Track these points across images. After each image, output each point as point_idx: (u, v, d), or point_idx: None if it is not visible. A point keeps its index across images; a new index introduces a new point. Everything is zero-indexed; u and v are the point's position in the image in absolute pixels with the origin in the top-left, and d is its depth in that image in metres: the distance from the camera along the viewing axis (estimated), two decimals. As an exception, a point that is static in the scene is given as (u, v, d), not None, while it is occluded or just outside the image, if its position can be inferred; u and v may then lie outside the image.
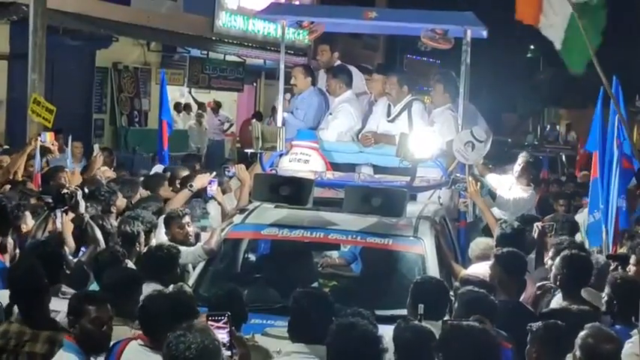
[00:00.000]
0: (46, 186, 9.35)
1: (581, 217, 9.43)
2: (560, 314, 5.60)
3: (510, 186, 9.35)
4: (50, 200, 7.45)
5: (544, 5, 6.74)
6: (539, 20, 6.69)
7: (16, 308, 5.61)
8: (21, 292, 5.52)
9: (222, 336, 4.48)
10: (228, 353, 4.44)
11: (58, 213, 7.22)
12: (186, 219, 7.80)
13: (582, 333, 4.69)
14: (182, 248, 7.35)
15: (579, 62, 6.80)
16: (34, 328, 5.35)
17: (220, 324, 4.58)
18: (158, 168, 12.00)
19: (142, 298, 5.56)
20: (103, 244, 7.11)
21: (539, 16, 6.68)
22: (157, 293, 5.40)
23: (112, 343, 5.11)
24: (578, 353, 4.63)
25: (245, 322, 5.42)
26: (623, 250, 7.81)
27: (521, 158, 9.54)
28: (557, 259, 6.49)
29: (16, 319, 5.50)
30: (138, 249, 7.14)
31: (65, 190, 7.31)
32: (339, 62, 9.30)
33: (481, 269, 6.78)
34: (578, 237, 8.45)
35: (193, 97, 23.44)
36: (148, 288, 5.84)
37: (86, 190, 7.62)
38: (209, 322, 4.59)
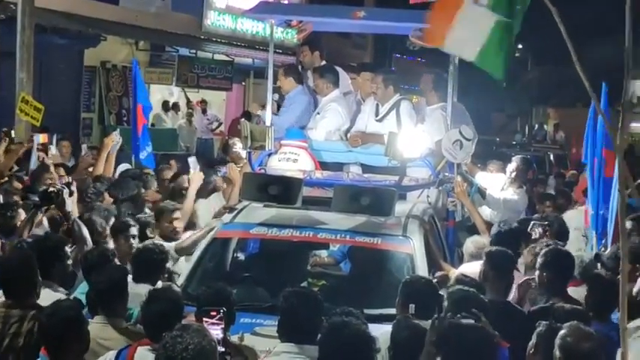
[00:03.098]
0: (32, 185, 9.33)
1: (569, 215, 9.49)
2: (553, 313, 5.61)
3: (502, 187, 9.39)
4: (37, 199, 7.44)
5: (455, 20, 6.79)
6: (443, 40, 6.73)
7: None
8: (13, 279, 5.58)
9: (217, 332, 4.46)
10: (222, 349, 4.43)
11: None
12: (177, 214, 7.79)
13: (561, 332, 4.69)
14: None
15: (501, 72, 6.88)
16: (21, 312, 5.43)
17: (215, 320, 4.57)
18: (123, 167, 11.31)
19: (140, 300, 5.54)
20: (90, 243, 7.08)
21: (444, 35, 6.72)
22: (155, 294, 5.37)
23: (116, 352, 5.06)
24: (557, 353, 4.63)
25: (233, 322, 5.41)
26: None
27: (515, 163, 9.56)
28: (539, 258, 6.51)
29: (2, 304, 5.56)
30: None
31: (52, 189, 7.29)
32: (324, 62, 9.30)
33: (471, 269, 6.79)
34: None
35: (186, 96, 23.38)
36: (139, 289, 5.82)
37: (73, 189, 7.59)
38: (203, 319, 4.58)
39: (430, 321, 4.80)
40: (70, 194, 7.33)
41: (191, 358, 3.95)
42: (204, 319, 4.58)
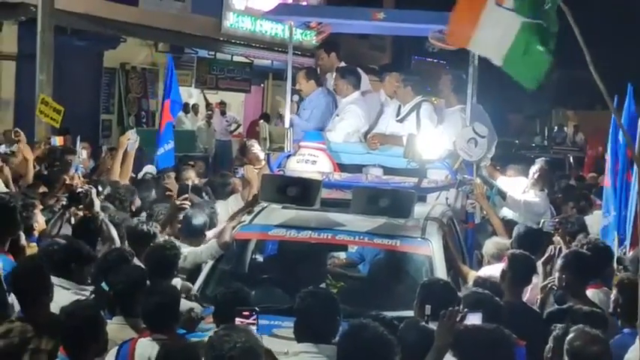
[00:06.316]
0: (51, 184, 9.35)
1: (590, 220, 9.43)
2: (571, 315, 5.58)
3: (524, 189, 9.36)
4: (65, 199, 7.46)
5: (481, 21, 6.60)
6: (469, 40, 6.55)
7: (15, 307, 5.64)
8: (25, 290, 5.53)
9: None
10: None
11: None
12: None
13: (569, 337, 4.67)
14: (193, 248, 7.34)
15: (532, 78, 6.71)
16: (36, 325, 5.34)
17: (250, 320, 4.60)
18: (149, 168, 11.46)
19: None
20: (118, 243, 7.08)
21: (470, 35, 6.53)
22: (153, 288, 5.45)
23: (118, 346, 5.12)
24: (566, 358, 4.61)
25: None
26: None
27: (538, 165, 9.53)
28: (559, 259, 6.48)
29: (17, 318, 5.50)
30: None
31: (80, 189, 7.31)
32: (342, 63, 9.28)
33: (491, 271, 6.74)
34: None
35: (205, 97, 23.43)
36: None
37: (100, 189, 7.60)
38: (237, 319, 4.61)
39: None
40: (97, 194, 7.35)
41: (238, 356, 4.00)
42: (237, 319, 4.61)
